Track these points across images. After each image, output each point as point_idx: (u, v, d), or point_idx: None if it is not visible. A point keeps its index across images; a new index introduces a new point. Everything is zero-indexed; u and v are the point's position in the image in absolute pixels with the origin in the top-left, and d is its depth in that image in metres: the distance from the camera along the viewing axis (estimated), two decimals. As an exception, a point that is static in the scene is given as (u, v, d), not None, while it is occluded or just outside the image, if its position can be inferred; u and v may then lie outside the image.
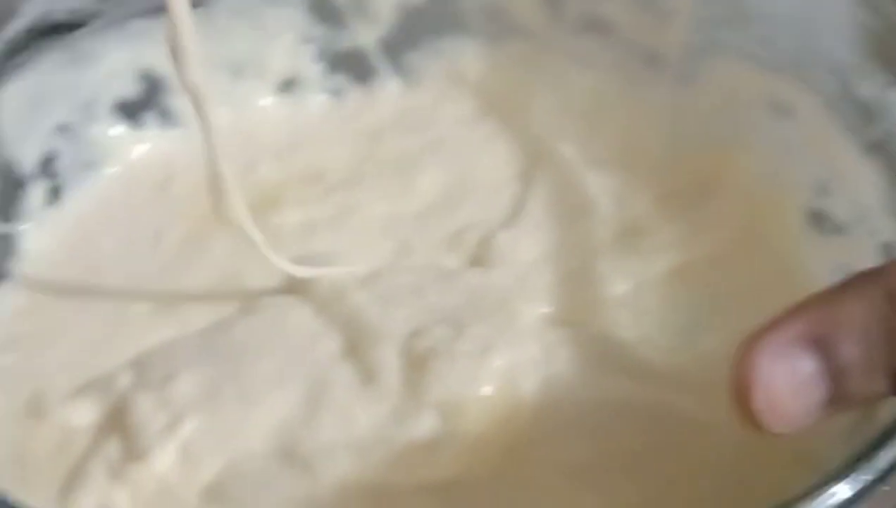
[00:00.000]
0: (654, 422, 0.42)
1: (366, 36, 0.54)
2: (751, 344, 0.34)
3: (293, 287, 0.48)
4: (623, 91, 0.52)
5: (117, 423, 0.44)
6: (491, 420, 0.42)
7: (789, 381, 0.34)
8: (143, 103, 0.53)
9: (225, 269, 0.49)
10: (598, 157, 0.50)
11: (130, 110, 0.52)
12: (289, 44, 0.54)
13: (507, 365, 0.43)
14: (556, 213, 0.49)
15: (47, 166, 0.50)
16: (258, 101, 0.55)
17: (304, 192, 0.52)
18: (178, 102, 0.53)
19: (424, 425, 0.43)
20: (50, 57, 0.49)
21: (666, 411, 0.42)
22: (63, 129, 0.51)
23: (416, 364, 0.44)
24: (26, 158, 0.49)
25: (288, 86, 0.55)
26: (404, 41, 0.54)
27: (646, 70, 0.51)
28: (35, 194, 0.50)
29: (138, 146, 0.53)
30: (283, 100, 0.55)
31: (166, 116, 0.53)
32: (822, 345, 0.34)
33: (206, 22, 0.52)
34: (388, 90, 0.55)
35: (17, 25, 0.47)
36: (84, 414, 0.44)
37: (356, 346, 0.45)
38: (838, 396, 0.34)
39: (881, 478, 0.34)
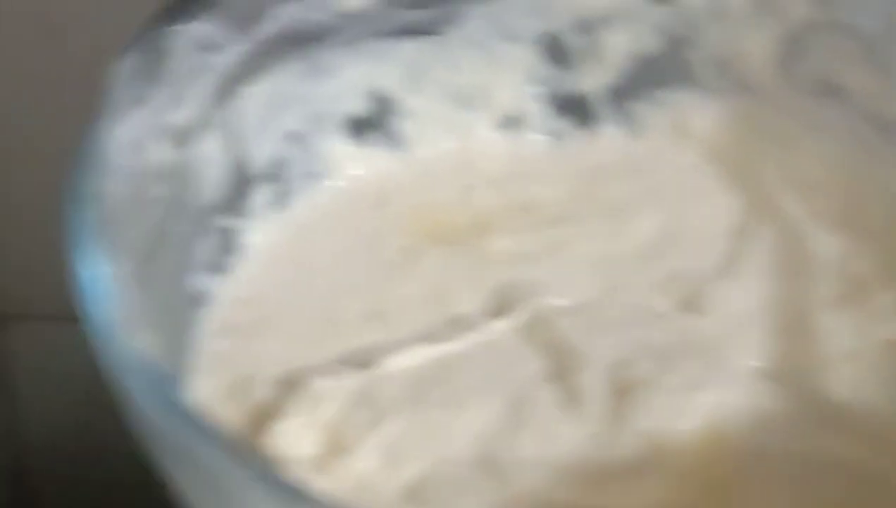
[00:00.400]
0: (861, 484, 0.42)
1: (593, 81, 0.55)
2: None
3: (500, 309, 0.49)
4: (852, 156, 0.52)
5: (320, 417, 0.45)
6: (693, 457, 0.43)
7: None
8: (370, 122, 0.54)
9: (434, 285, 0.50)
10: (821, 217, 0.51)
11: (358, 128, 0.54)
12: (517, 81, 0.55)
13: (716, 405, 0.44)
14: (774, 267, 0.49)
15: (276, 170, 0.52)
16: (480, 132, 0.56)
17: (517, 222, 0.53)
18: (404, 125, 0.55)
19: (626, 452, 0.43)
20: (290, 65, 0.51)
21: (874, 474, 0.42)
22: (294, 137, 0.52)
23: (622, 392, 0.45)
24: (258, 158, 0.51)
25: (510, 122, 0.56)
26: (631, 90, 0.55)
27: (877, 137, 0.51)
28: (262, 194, 0.51)
29: (362, 163, 0.54)
30: (505, 135, 0.56)
31: (391, 138, 0.55)
32: None
33: (440, 49, 0.54)
34: (610, 137, 0.56)
35: (264, 30, 0.49)
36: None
37: (560, 369, 0.46)
38: None
39: None
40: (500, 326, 0.48)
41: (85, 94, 0.41)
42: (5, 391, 0.73)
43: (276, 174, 0.52)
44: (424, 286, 0.50)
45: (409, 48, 0.54)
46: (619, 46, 0.55)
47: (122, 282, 0.40)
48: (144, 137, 0.44)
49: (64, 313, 0.69)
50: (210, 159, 0.49)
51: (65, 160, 0.64)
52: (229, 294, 0.50)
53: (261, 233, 0.51)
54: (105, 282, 0.39)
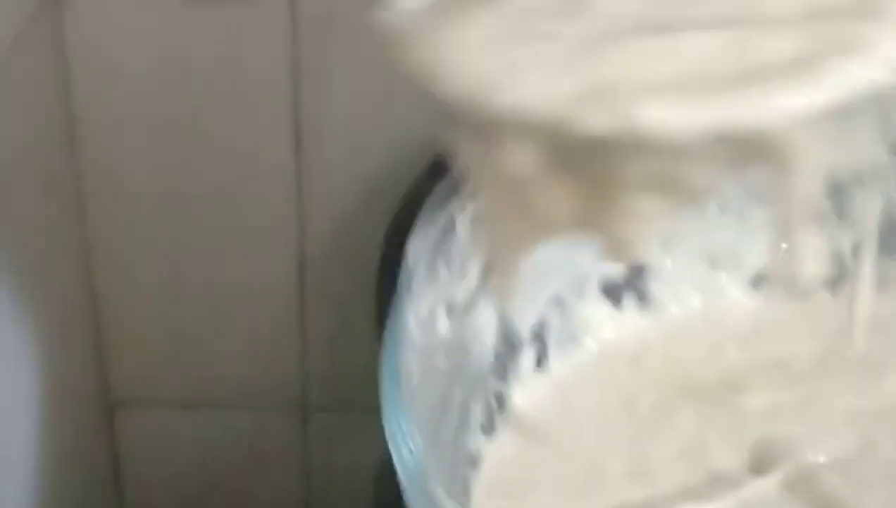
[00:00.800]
0: None
1: (843, 240, 0.57)
2: None
3: (760, 466, 0.50)
4: None
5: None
6: None
7: None
8: (625, 285, 0.57)
9: (692, 442, 0.52)
10: None
11: (613, 290, 0.56)
12: (767, 241, 0.57)
13: None
14: None
15: (539, 333, 0.54)
16: (730, 291, 0.57)
17: (769, 378, 0.54)
18: (657, 286, 0.57)
19: None
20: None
21: None
22: (556, 301, 0.55)
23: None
24: (524, 323, 0.54)
25: (760, 280, 0.57)
26: (883, 247, 0.56)
27: None
28: (526, 357, 0.54)
29: (617, 323, 0.56)
30: (754, 293, 0.58)
31: (644, 299, 0.57)
32: None
33: (694, 214, 0.56)
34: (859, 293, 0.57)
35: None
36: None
37: (833, 528, 0.47)
38: None
39: None
40: (764, 483, 0.49)
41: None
42: (114, 476, 0.76)
43: (539, 337, 0.55)
44: (682, 443, 0.52)
45: (664, 214, 0.56)
46: (871, 205, 0.56)
47: (420, 446, 0.42)
48: (434, 311, 0.47)
49: (171, 400, 0.73)
50: (483, 327, 0.51)
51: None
52: (498, 454, 0.52)
53: (524, 394, 0.54)
54: (410, 447, 0.42)
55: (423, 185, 0.66)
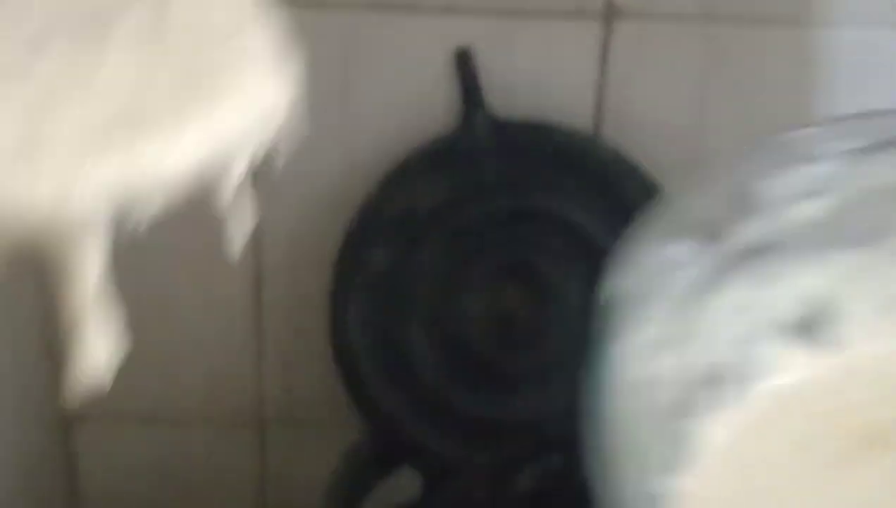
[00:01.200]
0: None
1: None
2: None
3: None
4: None
5: None
6: None
7: None
8: (803, 326, 0.56)
9: (874, 492, 0.52)
10: None
11: (792, 331, 0.56)
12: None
13: None
14: None
15: (720, 374, 0.54)
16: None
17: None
18: (836, 329, 0.57)
19: None
20: (741, 276, 0.54)
21: None
22: (738, 341, 0.55)
23: None
24: (706, 363, 0.54)
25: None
26: None
27: None
28: (706, 397, 0.54)
29: (795, 365, 0.56)
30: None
31: (822, 341, 0.57)
32: None
33: (877, 258, 0.56)
34: None
35: (725, 246, 0.52)
36: None
37: None
38: None
39: None
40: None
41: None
42: (71, 491, 0.76)
43: (720, 378, 0.54)
44: (863, 493, 0.52)
45: (849, 256, 0.56)
46: None
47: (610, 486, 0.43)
48: (626, 354, 0.47)
49: (128, 415, 0.73)
50: (669, 367, 0.51)
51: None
52: (678, 494, 0.52)
53: (703, 434, 0.54)
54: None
55: (375, 203, 0.67)
